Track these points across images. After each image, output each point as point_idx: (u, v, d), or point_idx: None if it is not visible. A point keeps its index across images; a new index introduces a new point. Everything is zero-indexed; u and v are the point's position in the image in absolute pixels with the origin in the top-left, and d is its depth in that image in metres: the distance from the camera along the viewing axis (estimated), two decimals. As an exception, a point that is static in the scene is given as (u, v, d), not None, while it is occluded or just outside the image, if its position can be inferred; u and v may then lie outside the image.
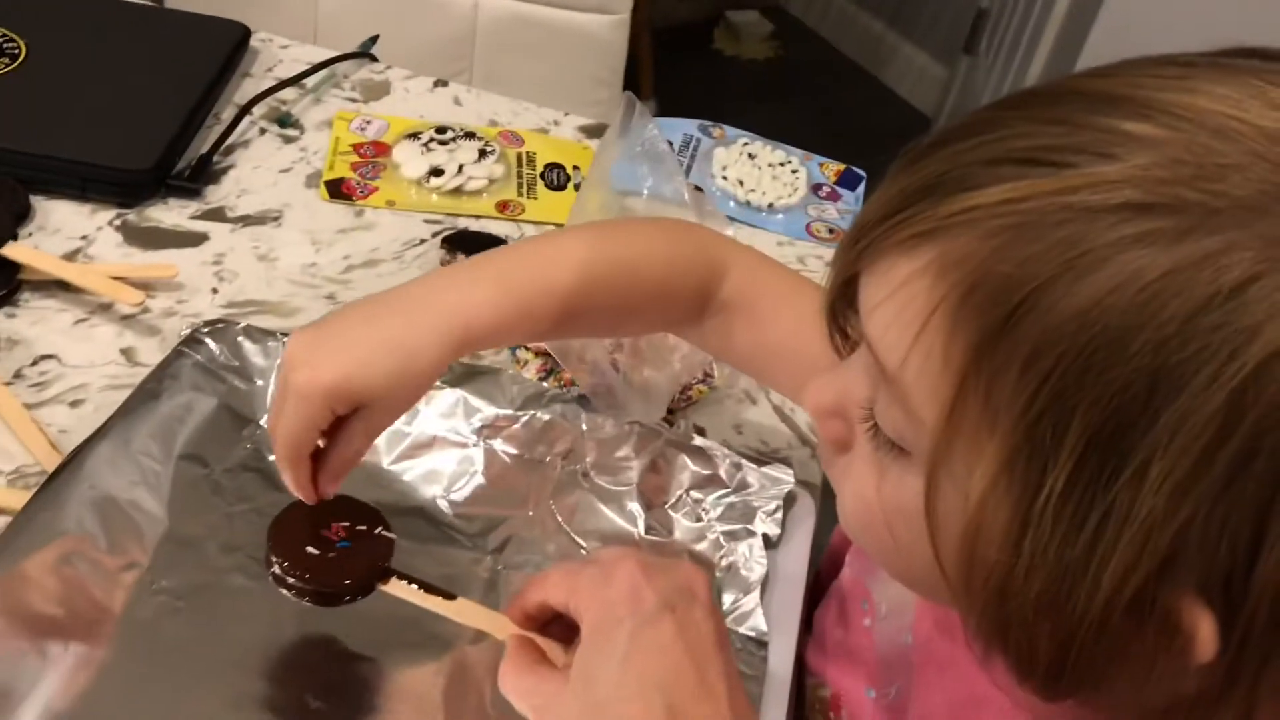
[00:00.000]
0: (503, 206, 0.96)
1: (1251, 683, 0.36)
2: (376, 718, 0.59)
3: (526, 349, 0.81)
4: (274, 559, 0.57)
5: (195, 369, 0.72)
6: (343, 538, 0.58)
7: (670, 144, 0.96)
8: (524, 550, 0.69)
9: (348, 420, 0.56)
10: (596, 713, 0.47)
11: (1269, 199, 0.33)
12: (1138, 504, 0.34)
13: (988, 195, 0.36)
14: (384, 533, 0.59)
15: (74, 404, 0.74)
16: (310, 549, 0.57)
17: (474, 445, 0.73)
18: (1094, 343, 0.34)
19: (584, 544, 0.70)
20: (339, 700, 0.59)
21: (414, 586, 0.57)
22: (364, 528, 0.59)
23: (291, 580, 0.56)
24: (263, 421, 0.72)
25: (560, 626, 0.55)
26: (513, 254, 0.64)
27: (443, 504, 0.70)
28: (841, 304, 0.46)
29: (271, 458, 0.69)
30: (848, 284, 0.44)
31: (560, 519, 0.71)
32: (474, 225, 0.94)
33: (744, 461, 0.72)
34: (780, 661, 0.64)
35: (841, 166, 1.08)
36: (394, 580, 0.57)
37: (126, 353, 0.78)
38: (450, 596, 0.57)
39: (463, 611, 0.57)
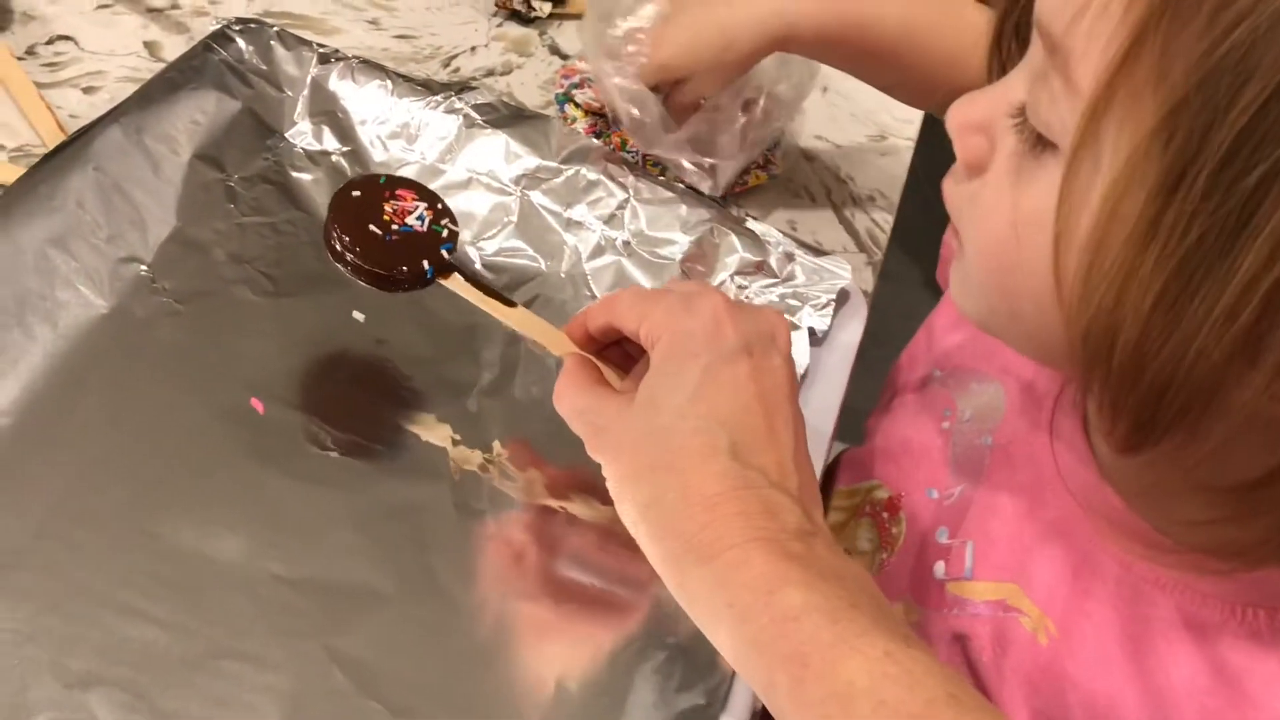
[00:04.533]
0: (570, -44, 0.88)
1: None
2: (377, 448, 0.55)
3: (576, 105, 0.75)
4: (335, 232, 0.53)
5: (221, 66, 0.66)
6: (405, 223, 0.54)
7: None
8: (550, 310, 0.64)
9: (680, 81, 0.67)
10: (658, 438, 0.43)
11: None
12: None
13: None
14: (449, 225, 0.55)
15: (88, 90, 0.68)
16: (372, 228, 0.53)
17: (511, 194, 0.67)
18: None
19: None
20: (336, 426, 0.55)
21: (473, 288, 0.53)
22: (429, 215, 0.55)
23: (350, 257, 0.52)
24: (289, 134, 0.67)
25: (616, 352, 0.52)
26: None
27: (471, 251, 0.65)
28: (1014, 14, 0.43)
29: (294, 173, 0.65)
30: None
31: (593, 285, 0.66)
32: (537, -29, 0.86)
33: (798, 252, 0.67)
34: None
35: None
36: (454, 276, 0.54)
37: (150, 46, 0.72)
38: (510, 304, 0.53)
39: (521, 321, 0.53)
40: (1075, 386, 0.37)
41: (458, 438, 0.56)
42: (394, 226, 0.53)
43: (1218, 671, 0.43)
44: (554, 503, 0.55)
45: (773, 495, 0.42)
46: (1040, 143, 0.38)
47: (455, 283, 0.53)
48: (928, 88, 0.68)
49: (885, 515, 0.60)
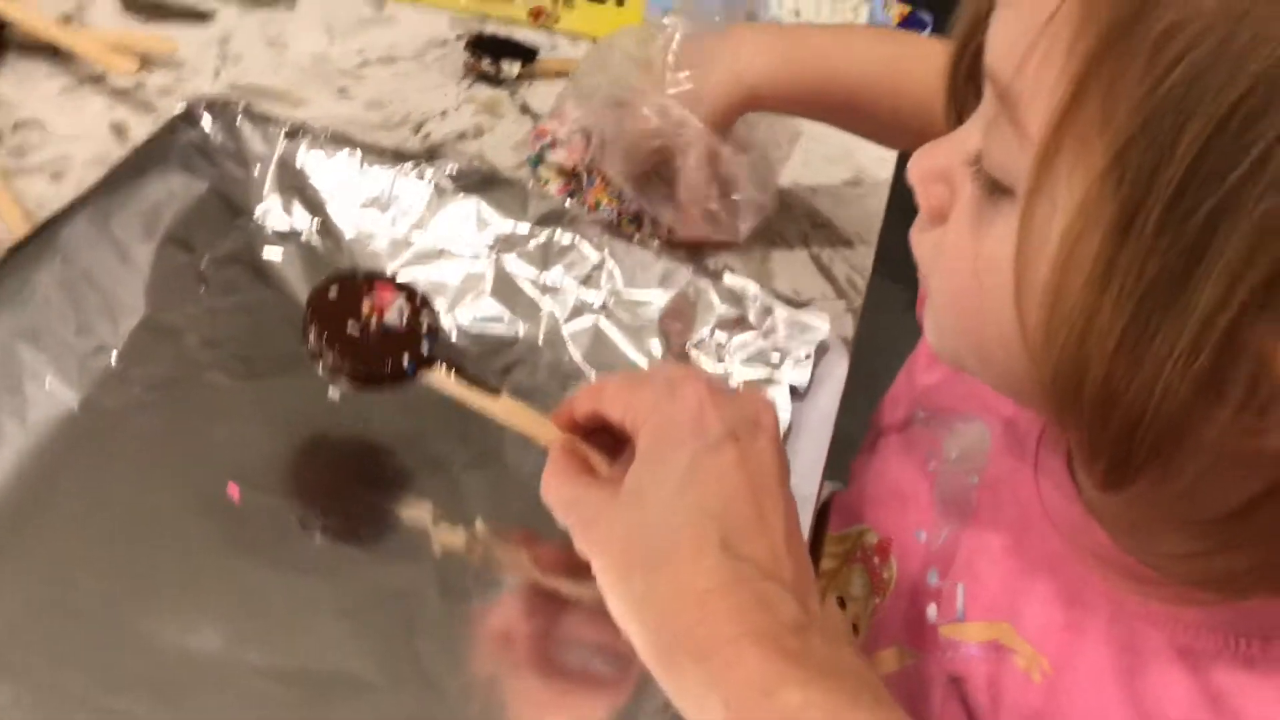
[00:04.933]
0: (536, 14, 0.88)
1: None
2: (359, 532, 0.54)
3: (549, 166, 0.75)
4: (312, 333, 0.52)
5: (188, 148, 0.66)
6: (385, 318, 0.53)
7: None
8: (531, 376, 0.63)
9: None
10: (645, 532, 0.43)
11: None
12: (1250, 201, 0.29)
13: None
14: (429, 319, 0.54)
15: (55, 176, 0.68)
16: (351, 325, 0.52)
17: (484, 260, 0.67)
18: (1241, 19, 0.29)
19: (595, 379, 0.64)
20: (316, 510, 0.54)
21: (457, 379, 0.53)
22: (408, 309, 0.54)
23: (330, 357, 0.52)
24: (258, 211, 0.66)
25: (604, 437, 0.51)
26: (807, 34, 0.70)
27: (446, 320, 0.65)
28: (965, 60, 0.42)
29: (265, 252, 0.65)
30: (976, 31, 0.39)
31: (572, 349, 0.65)
32: (502, 31, 0.86)
33: (776, 304, 0.66)
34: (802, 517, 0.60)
35: (907, 9, 1.00)
36: (436, 371, 0.53)
37: (117, 128, 0.72)
38: (495, 392, 0.52)
39: (505, 410, 0.52)
40: (1053, 426, 0.37)
41: (440, 515, 0.55)
42: (373, 323, 0.53)
43: (1213, 701, 0.42)
44: (541, 579, 0.54)
45: (766, 587, 0.41)
46: (997, 189, 0.37)
47: (438, 378, 0.53)
48: (910, 131, 0.67)
49: (876, 560, 0.59)
